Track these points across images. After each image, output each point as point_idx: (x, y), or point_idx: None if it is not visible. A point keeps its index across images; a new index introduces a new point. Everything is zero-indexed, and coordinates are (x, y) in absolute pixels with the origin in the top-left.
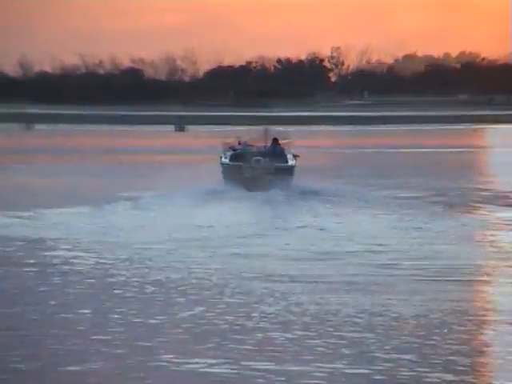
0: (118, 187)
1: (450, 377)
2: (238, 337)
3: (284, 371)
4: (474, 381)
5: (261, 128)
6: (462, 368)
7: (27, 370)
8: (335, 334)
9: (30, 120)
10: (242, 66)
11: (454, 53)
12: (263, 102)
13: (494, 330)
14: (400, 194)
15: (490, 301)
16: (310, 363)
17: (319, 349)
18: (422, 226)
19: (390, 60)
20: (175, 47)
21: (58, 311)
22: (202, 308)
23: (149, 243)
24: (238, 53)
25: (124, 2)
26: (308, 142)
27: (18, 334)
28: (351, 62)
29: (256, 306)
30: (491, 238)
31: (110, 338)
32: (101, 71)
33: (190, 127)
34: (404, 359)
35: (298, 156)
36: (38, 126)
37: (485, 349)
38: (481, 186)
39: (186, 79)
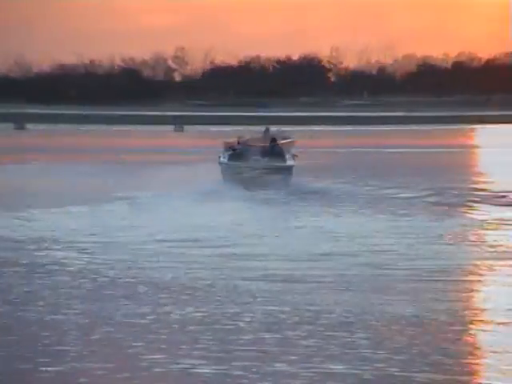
0: (115, 187)
1: (440, 377)
2: (230, 337)
3: (273, 371)
4: (465, 379)
5: (261, 128)
6: (453, 368)
7: (13, 371)
8: (326, 333)
9: (21, 120)
10: (240, 66)
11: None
12: (262, 101)
13: (487, 330)
14: (398, 193)
15: (485, 301)
16: (299, 363)
17: (309, 349)
18: (420, 225)
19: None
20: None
21: (48, 311)
22: (192, 308)
23: (144, 243)
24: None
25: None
26: (308, 142)
27: (4, 334)
28: (350, 62)
29: (248, 305)
30: (489, 238)
31: (98, 337)
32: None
33: (189, 127)
34: (395, 359)
35: (296, 155)
36: (29, 126)
37: (477, 349)
38: (477, 186)
39: (179, 79)
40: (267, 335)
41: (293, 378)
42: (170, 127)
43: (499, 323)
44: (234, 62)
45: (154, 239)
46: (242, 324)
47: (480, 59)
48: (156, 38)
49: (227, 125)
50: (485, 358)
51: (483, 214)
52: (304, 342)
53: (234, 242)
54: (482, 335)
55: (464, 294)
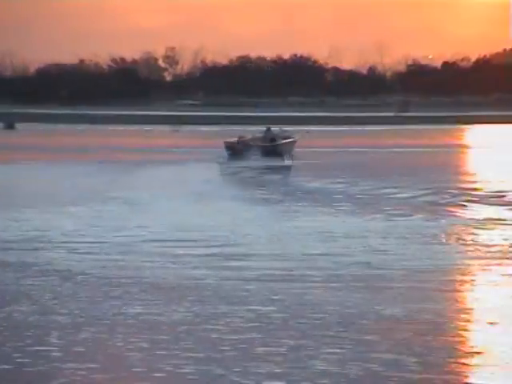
0: (110, 186)
1: (428, 376)
2: (214, 336)
3: (255, 373)
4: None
5: (262, 128)
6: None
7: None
8: (313, 333)
9: (8, 119)
10: (231, 65)
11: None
12: (253, 101)
13: (478, 330)
14: (395, 193)
15: (477, 301)
16: (283, 363)
17: (293, 348)
18: (416, 225)
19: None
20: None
21: (35, 312)
22: (180, 308)
23: (135, 244)
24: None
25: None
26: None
27: None
28: (343, 62)
29: (241, 305)
30: (484, 238)
31: (85, 337)
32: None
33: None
34: (382, 358)
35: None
36: (18, 126)
37: (466, 348)
38: (473, 186)
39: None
40: (255, 335)
41: (278, 378)
42: (163, 127)
43: (491, 323)
44: (224, 61)
45: (149, 239)
46: (231, 324)
47: (469, 59)
48: (147, 38)
49: (218, 125)
50: (473, 357)
51: (479, 214)
52: (291, 342)
53: (230, 241)
54: (473, 335)
55: (456, 294)
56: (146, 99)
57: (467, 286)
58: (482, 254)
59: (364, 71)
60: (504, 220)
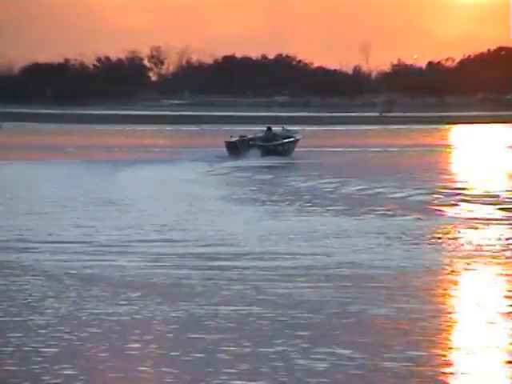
0: (96, 187)
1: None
2: (197, 336)
3: (239, 373)
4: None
5: (263, 127)
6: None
7: None
8: (299, 333)
9: None
10: (217, 65)
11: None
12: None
13: (461, 330)
14: (386, 193)
15: (461, 301)
16: (269, 363)
17: (279, 348)
18: (405, 225)
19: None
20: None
21: (15, 312)
22: (164, 308)
23: (120, 244)
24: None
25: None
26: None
27: None
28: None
29: (220, 306)
30: (473, 237)
31: (61, 338)
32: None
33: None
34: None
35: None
36: (7, 125)
37: (447, 348)
38: (467, 185)
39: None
40: (239, 335)
41: (263, 378)
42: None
43: (475, 322)
44: (210, 61)
45: (135, 239)
46: (216, 324)
47: (454, 60)
48: (132, 37)
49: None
50: (454, 357)
51: (470, 213)
52: (277, 342)
53: (216, 241)
54: (455, 335)
55: (443, 294)
56: (132, 99)
57: (454, 285)
58: (471, 254)
59: (349, 71)
60: (495, 220)
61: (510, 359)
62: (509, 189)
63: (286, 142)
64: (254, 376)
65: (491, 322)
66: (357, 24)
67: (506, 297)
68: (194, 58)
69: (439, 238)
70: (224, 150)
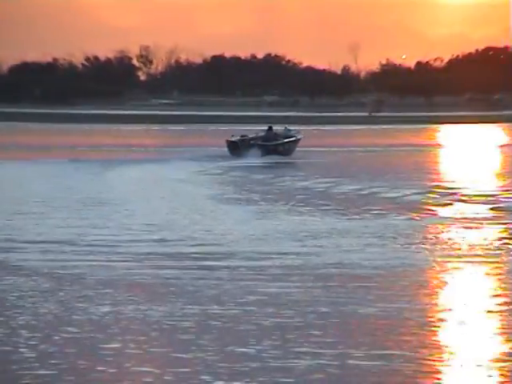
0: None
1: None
2: (185, 336)
3: (227, 373)
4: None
5: (264, 127)
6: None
7: None
8: (288, 333)
9: None
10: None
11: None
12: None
13: (445, 329)
14: (379, 193)
15: (446, 300)
16: (257, 363)
17: (267, 349)
18: (395, 225)
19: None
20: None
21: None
22: (152, 308)
23: (109, 244)
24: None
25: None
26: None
27: None
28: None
29: (210, 308)
30: (463, 237)
31: (55, 337)
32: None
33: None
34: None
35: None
36: None
37: (432, 347)
38: (461, 185)
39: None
40: (227, 335)
41: (251, 378)
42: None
43: (459, 322)
44: (199, 60)
45: (125, 239)
46: (204, 324)
47: (442, 60)
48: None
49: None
50: (439, 355)
51: (464, 213)
52: (267, 342)
53: (205, 241)
54: (439, 334)
55: (431, 293)
56: (120, 98)
57: (444, 285)
58: (461, 253)
59: (338, 71)
60: (486, 219)
61: (495, 357)
62: (500, 188)
63: (287, 142)
64: (237, 376)
65: (478, 321)
66: (346, 24)
67: (495, 295)
68: (183, 58)
69: (430, 238)
70: (217, 149)
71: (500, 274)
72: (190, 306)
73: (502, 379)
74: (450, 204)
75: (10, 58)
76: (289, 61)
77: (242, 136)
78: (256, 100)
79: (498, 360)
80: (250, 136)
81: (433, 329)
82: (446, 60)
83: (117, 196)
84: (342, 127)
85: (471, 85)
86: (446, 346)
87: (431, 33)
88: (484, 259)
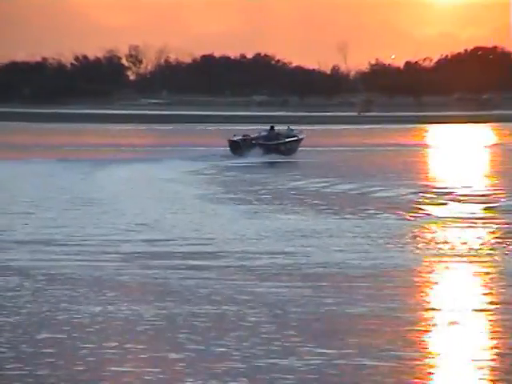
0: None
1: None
2: (173, 335)
3: (217, 373)
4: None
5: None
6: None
7: None
8: (277, 332)
9: None
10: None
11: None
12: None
13: (431, 330)
14: (372, 193)
15: (433, 300)
16: (246, 363)
17: (256, 347)
18: (386, 224)
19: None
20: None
21: None
22: (141, 308)
23: (98, 244)
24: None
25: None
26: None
27: None
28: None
29: (199, 307)
30: (453, 237)
31: (41, 337)
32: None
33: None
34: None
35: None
36: None
37: (419, 347)
38: (455, 185)
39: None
40: (216, 335)
41: (242, 378)
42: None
43: (448, 321)
44: (188, 60)
45: (114, 239)
46: (193, 324)
47: (431, 59)
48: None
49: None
50: (428, 354)
51: (455, 213)
52: (257, 341)
53: (193, 241)
54: (428, 333)
55: (417, 293)
56: (110, 98)
57: (433, 284)
58: (452, 253)
59: (327, 71)
60: (478, 219)
61: (485, 356)
62: (491, 188)
63: (289, 142)
64: (228, 376)
65: (467, 321)
66: (335, 24)
67: (485, 295)
68: (173, 57)
69: (421, 238)
70: (215, 149)
71: (491, 273)
72: (177, 306)
73: (492, 377)
74: (441, 204)
75: None
76: (278, 60)
77: (243, 135)
78: (245, 100)
79: (488, 359)
80: (252, 136)
81: (422, 328)
82: (434, 60)
83: (106, 196)
84: (331, 127)
85: (460, 85)
86: (436, 345)
87: (420, 33)
88: (476, 259)
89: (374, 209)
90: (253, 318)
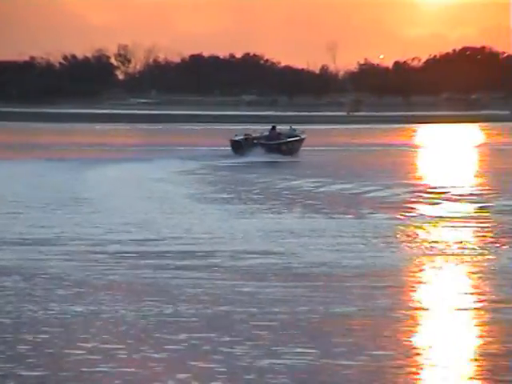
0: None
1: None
2: (159, 335)
3: (201, 373)
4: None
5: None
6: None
7: None
8: (263, 332)
9: None
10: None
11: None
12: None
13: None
14: (366, 193)
15: (423, 299)
16: (230, 362)
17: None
18: (377, 224)
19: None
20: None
21: None
22: (128, 308)
23: (87, 244)
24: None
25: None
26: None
27: None
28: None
29: (186, 307)
30: (443, 236)
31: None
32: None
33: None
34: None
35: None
36: None
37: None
38: (449, 185)
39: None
40: (203, 334)
41: (227, 377)
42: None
43: (437, 320)
44: (177, 59)
45: (102, 239)
46: (179, 323)
47: (420, 59)
48: (99, 36)
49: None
50: (416, 353)
51: (448, 213)
52: (242, 341)
53: (183, 241)
54: (413, 333)
55: (407, 292)
56: (99, 97)
57: (423, 284)
58: (443, 252)
59: (316, 70)
60: (470, 218)
61: (473, 354)
62: (481, 188)
63: (290, 141)
64: (212, 377)
65: (455, 319)
66: (324, 24)
67: (474, 294)
68: (162, 57)
69: (412, 237)
70: (212, 149)
71: (483, 273)
72: (165, 306)
73: (480, 376)
74: (433, 203)
75: None
76: (267, 60)
77: (245, 135)
78: (234, 99)
79: (475, 358)
80: (254, 135)
81: (410, 327)
82: (423, 60)
83: (95, 195)
84: (320, 127)
85: (449, 85)
86: (423, 344)
87: (409, 33)
88: (467, 258)
89: (366, 208)
90: (239, 317)
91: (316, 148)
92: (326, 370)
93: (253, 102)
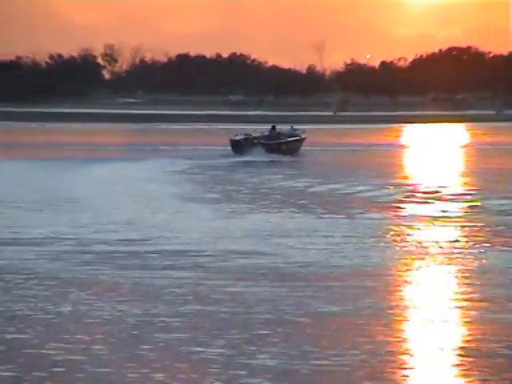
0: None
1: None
2: (143, 335)
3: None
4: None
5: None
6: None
7: None
8: (250, 331)
9: None
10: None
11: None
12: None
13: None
14: (360, 192)
15: (411, 298)
16: (219, 362)
17: (228, 347)
18: (365, 224)
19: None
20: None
21: None
22: (113, 308)
23: (70, 243)
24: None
25: None
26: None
27: None
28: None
29: (172, 307)
30: (434, 235)
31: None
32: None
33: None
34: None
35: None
36: None
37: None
38: (443, 184)
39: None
40: (189, 335)
41: (214, 378)
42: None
43: (423, 320)
44: (163, 59)
45: (87, 238)
46: (165, 324)
47: (406, 59)
48: (85, 35)
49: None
50: (403, 352)
51: (436, 213)
52: (229, 339)
53: (170, 241)
54: (399, 333)
55: (395, 292)
56: (85, 97)
57: (409, 284)
58: (431, 252)
59: (303, 70)
60: (456, 218)
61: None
62: (471, 188)
63: (290, 141)
64: (199, 378)
65: (441, 319)
66: (311, 23)
67: (461, 293)
68: (148, 57)
69: (401, 237)
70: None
71: (470, 272)
72: (150, 306)
73: (465, 372)
74: (422, 203)
75: None
76: (254, 60)
77: (245, 135)
78: (221, 99)
79: (461, 354)
80: (254, 135)
81: (398, 326)
82: (409, 60)
83: (83, 195)
84: (307, 126)
85: (435, 85)
86: (411, 343)
87: (395, 32)
88: (456, 258)
89: (356, 208)
90: (225, 317)
91: (308, 148)
92: (311, 369)
93: (239, 101)
